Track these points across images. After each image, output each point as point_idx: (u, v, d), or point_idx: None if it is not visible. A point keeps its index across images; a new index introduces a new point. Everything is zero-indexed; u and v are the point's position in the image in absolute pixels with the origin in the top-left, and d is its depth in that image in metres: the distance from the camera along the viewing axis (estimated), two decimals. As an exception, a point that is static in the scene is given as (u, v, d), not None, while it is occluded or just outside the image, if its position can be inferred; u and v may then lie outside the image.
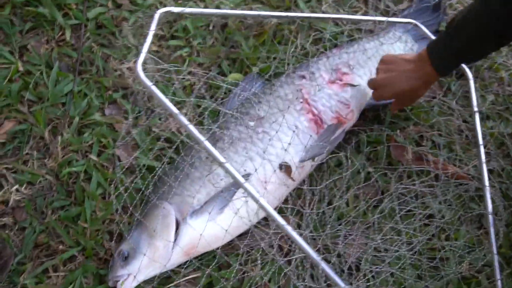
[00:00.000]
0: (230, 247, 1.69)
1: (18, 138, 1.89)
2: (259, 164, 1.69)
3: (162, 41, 2.16)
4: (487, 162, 1.85)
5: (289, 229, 1.53)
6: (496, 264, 1.67)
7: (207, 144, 1.55)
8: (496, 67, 2.17)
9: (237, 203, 1.64)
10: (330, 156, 1.83)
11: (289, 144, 1.72)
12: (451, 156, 1.92)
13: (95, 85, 1.99)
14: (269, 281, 1.65)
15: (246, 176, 1.64)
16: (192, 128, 1.56)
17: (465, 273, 1.71)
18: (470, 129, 1.96)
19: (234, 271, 1.63)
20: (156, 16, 1.72)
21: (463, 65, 2.00)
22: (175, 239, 1.60)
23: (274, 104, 1.82)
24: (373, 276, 1.66)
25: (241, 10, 2.19)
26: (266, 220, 1.74)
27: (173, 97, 1.72)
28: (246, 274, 1.66)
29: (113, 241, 1.66)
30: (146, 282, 1.62)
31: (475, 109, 1.92)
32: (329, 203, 1.77)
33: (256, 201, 1.54)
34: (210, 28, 2.20)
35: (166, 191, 1.66)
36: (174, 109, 1.58)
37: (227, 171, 1.56)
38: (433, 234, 1.75)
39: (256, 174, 1.67)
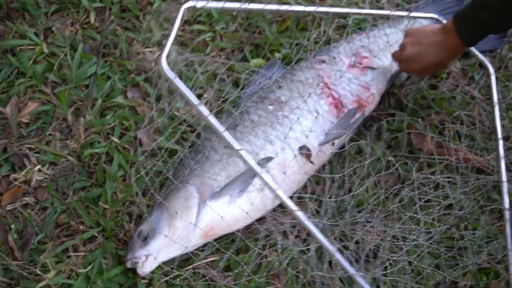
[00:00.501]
0: (248, 231, 1.69)
1: (41, 118, 1.91)
2: (279, 148, 1.69)
3: (185, 26, 2.16)
4: (506, 156, 1.82)
5: (302, 217, 1.52)
6: (511, 260, 1.66)
7: (227, 135, 1.55)
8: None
9: (257, 186, 1.64)
10: (351, 143, 1.81)
11: (310, 131, 1.72)
12: (472, 145, 1.90)
13: (118, 68, 2.01)
14: (287, 265, 1.65)
15: (268, 159, 1.66)
16: (212, 119, 1.55)
17: (484, 264, 1.69)
18: (491, 119, 1.93)
19: (254, 255, 1.63)
20: (181, 12, 1.72)
21: (485, 60, 1.97)
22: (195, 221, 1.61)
23: (295, 89, 1.82)
24: (390, 264, 1.66)
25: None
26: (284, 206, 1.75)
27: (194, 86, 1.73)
28: (264, 259, 1.66)
29: (132, 223, 1.68)
30: (165, 263, 1.63)
31: (496, 102, 1.89)
32: (349, 190, 1.76)
33: (272, 191, 1.54)
34: (234, 13, 2.20)
35: (187, 174, 1.67)
36: (196, 100, 1.56)
37: (244, 161, 1.56)
38: (452, 224, 1.73)
39: (276, 158, 1.68)
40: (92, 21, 2.15)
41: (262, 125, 1.73)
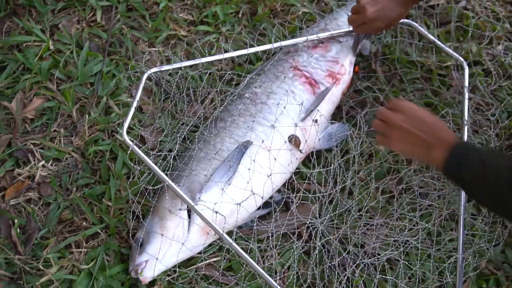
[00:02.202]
0: (250, 231, 1.70)
1: (46, 115, 1.92)
2: (261, 132, 1.74)
3: (191, 26, 2.17)
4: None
5: (237, 248, 1.56)
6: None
7: (172, 184, 1.60)
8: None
9: (244, 175, 1.66)
10: (359, 149, 1.83)
11: (285, 107, 1.77)
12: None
13: (124, 66, 2.01)
14: (288, 268, 1.66)
15: (246, 143, 1.70)
16: (171, 183, 1.60)
17: (484, 270, 1.71)
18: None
19: (256, 257, 1.64)
20: (143, 80, 1.78)
21: (458, 56, 2.01)
22: (190, 218, 1.62)
23: (267, 79, 1.89)
24: (391, 268, 1.67)
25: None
26: (286, 206, 1.76)
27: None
28: (266, 262, 1.67)
29: (131, 221, 1.69)
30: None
31: (467, 89, 1.91)
32: (350, 193, 1.78)
33: (209, 223, 1.58)
34: (240, 15, 2.21)
35: (175, 176, 1.69)
36: (153, 165, 1.62)
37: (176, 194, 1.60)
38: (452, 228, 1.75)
39: (260, 143, 1.71)
40: (99, 19, 2.16)
41: (242, 116, 1.79)
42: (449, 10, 2.20)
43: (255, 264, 1.55)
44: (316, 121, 1.81)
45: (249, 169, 1.65)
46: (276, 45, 1.93)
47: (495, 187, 1.20)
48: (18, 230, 1.69)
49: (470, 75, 2.02)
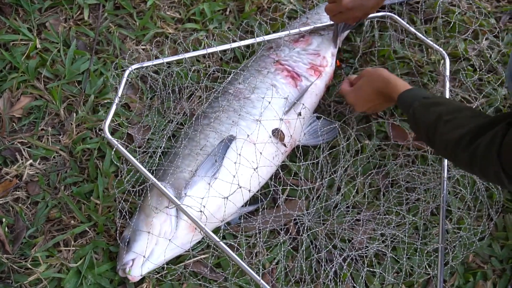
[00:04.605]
0: (239, 228, 1.71)
1: (33, 113, 1.92)
2: (245, 127, 1.74)
3: (178, 24, 2.17)
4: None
5: (225, 248, 1.57)
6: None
7: (157, 182, 1.62)
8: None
9: (230, 168, 1.66)
10: (346, 142, 1.84)
11: (269, 102, 1.79)
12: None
13: (112, 64, 2.01)
14: (277, 264, 1.67)
15: (230, 138, 1.70)
16: (153, 179, 1.62)
17: (471, 263, 1.73)
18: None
19: (244, 253, 1.65)
20: (124, 77, 1.82)
21: (438, 48, 2.05)
22: (177, 215, 1.62)
23: (250, 75, 1.90)
24: (379, 263, 1.68)
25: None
26: (274, 203, 1.76)
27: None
28: (254, 258, 1.68)
29: (119, 219, 1.69)
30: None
31: (447, 78, 1.96)
32: (338, 189, 1.79)
33: (196, 223, 1.58)
34: (227, 13, 2.21)
35: (161, 174, 1.70)
36: (138, 164, 1.65)
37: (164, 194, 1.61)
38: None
39: (244, 136, 1.72)
40: (86, 17, 2.15)
41: (225, 112, 1.79)
42: (435, 5, 2.21)
43: (240, 260, 1.56)
44: (299, 114, 1.83)
45: (235, 162, 1.65)
46: (259, 39, 1.96)
47: (424, 136, 1.51)
48: (6, 229, 1.69)
49: (456, 71, 2.04)
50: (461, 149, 1.32)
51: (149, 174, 1.61)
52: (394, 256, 1.68)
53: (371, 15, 2.06)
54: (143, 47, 2.10)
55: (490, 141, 1.23)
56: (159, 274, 1.62)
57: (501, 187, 1.81)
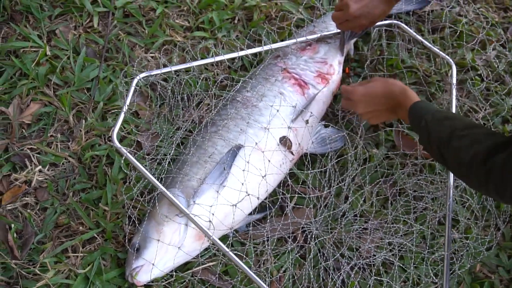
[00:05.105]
0: (247, 235, 1.71)
1: (43, 120, 1.93)
2: (253, 135, 1.75)
3: (187, 32, 2.19)
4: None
5: (234, 258, 1.58)
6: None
7: (165, 190, 1.62)
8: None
9: (238, 176, 1.67)
10: (353, 151, 1.85)
11: (277, 110, 1.80)
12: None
13: (121, 72, 2.02)
14: (284, 272, 1.67)
15: (237, 147, 1.71)
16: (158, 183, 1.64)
17: (478, 273, 1.73)
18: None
19: (252, 260, 1.65)
20: (133, 85, 1.84)
21: (445, 56, 2.07)
22: (186, 223, 1.62)
23: (257, 83, 1.91)
24: (386, 271, 1.68)
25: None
26: (282, 211, 1.77)
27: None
28: (262, 266, 1.68)
29: (127, 225, 1.70)
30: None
31: (454, 85, 1.98)
32: (346, 198, 1.80)
33: (206, 232, 1.59)
34: (235, 21, 2.23)
35: (170, 182, 1.70)
36: (146, 172, 1.66)
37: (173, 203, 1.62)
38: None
39: (253, 144, 1.73)
40: (95, 25, 2.17)
41: (233, 120, 1.80)
42: (442, 14, 2.22)
43: (248, 269, 1.56)
44: (307, 121, 1.83)
45: (243, 170, 1.66)
46: (266, 47, 1.97)
47: (435, 150, 1.46)
48: (15, 235, 1.69)
49: (463, 80, 2.05)
50: (477, 166, 1.28)
51: (159, 184, 1.62)
52: (401, 265, 1.68)
53: (378, 23, 2.07)
54: (152, 55, 2.11)
55: (508, 158, 1.20)
56: (167, 282, 1.63)
57: None
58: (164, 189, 1.61)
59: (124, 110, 1.77)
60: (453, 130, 1.40)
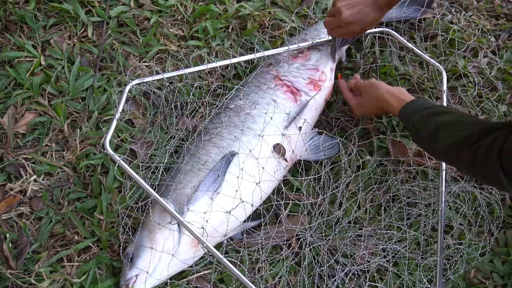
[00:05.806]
0: (241, 243, 1.71)
1: (38, 129, 1.93)
2: (246, 142, 1.76)
3: (181, 41, 2.20)
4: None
5: (229, 265, 1.59)
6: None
7: (159, 197, 1.63)
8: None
9: (232, 183, 1.68)
10: (348, 159, 1.86)
11: (271, 118, 1.80)
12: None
13: (115, 81, 2.03)
14: (279, 279, 1.68)
15: (231, 154, 1.72)
16: (155, 194, 1.64)
17: (473, 279, 1.74)
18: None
19: (246, 268, 1.66)
20: (125, 92, 1.84)
21: (435, 63, 2.10)
22: (179, 230, 1.63)
23: (250, 91, 1.93)
24: (381, 278, 1.69)
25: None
26: (276, 218, 1.77)
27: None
28: (257, 273, 1.69)
29: (122, 235, 1.70)
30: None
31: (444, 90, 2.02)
32: (340, 205, 1.81)
33: (199, 239, 1.60)
34: (229, 30, 2.24)
35: (163, 190, 1.71)
36: (140, 180, 1.65)
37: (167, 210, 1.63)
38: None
39: (247, 152, 1.73)
40: (90, 35, 2.18)
41: (226, 128, 1.81)
42: (436, 22, 2.24)
43: (242, 276, 1.57)
44: (300, 128, 1.84)
45: (237, 177, 1.67)
46: (258, 55, 1.98)
47: (425, 144, 1.55)
48: (10, 244, 1.69)
49: (456, 88, 2.07)
50: (465, 150, 1.33)
51: (151, 190, 1.63)
52: (395, 271, 1.69)
53: (369, 31, 2.09)
54: (146, 64, 2.12)
55: (492, 142, 1.24)
56: (162, 290, 1.63)
57: (500, 190, 1.82)
58: (155, 194, 1.62)
59: (117, 116, 1.77)
60: (439, 123, 1.47)
